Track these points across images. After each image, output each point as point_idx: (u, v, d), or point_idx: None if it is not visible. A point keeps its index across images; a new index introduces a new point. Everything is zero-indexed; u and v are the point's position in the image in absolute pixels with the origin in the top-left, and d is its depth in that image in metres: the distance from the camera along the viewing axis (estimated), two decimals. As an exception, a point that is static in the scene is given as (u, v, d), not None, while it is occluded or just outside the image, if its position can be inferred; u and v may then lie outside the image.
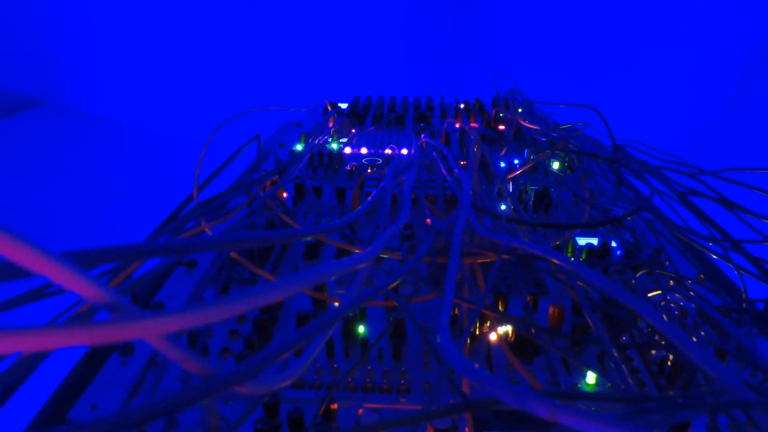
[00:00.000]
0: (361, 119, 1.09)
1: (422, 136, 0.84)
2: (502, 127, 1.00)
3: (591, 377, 0.42)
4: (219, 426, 0.28)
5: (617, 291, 0.30)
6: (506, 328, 0.46)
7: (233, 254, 0.55)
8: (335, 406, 0.38)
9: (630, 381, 0.40)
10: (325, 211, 0.71)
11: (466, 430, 0.36)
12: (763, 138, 2.46)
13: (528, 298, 0.50)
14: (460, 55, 2.93)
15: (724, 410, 0.34)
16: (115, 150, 3.01)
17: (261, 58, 2.99)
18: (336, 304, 0.50)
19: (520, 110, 1.01)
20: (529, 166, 0.80)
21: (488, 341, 0.46)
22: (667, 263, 0.57)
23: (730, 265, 0.54)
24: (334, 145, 0.93)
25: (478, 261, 0.50)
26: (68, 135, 3.15)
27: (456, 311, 0.48)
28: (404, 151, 0.90)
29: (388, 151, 0.91)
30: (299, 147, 0.92)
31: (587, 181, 0.72)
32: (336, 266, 0.26)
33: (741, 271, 0.52)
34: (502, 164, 0.82)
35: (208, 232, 0.57)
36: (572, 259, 0.44)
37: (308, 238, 0.58)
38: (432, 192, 0.73)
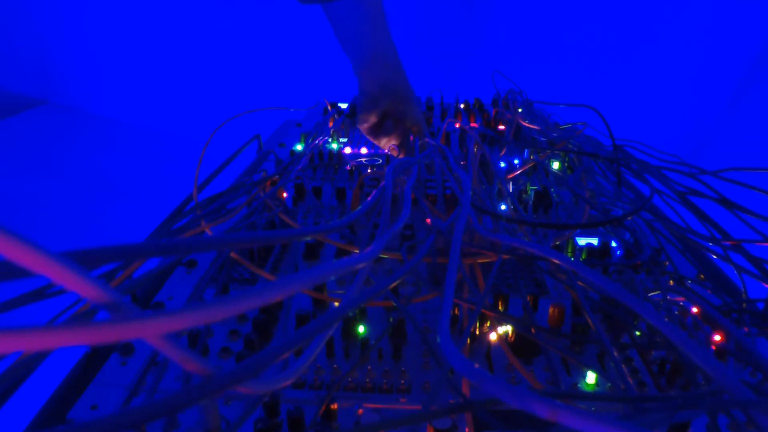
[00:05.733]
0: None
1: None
2: (502, 127, 1.00)
3: (591, 377, 0.42)
4: (219, 426, 0.28)
5: (617, 291, 0.30)
6: (506, 328, 0.46)
7: (233, 254, 0.55)
8: (335, 406, 0.38)
9: (630, 381, 0.40)
10: (325, 211, 0.71)
11: (466, 430, 0.36)
12: (763, 138, 2.45)
13: (528, 298, 0.50)
14: (460, 55, 2.93)
15: (724, 410, 0.34)
16: (115, 150, 3.01)
17: (261, 58, 2.99)
18: (336, 304, 0.50)
19: (520, 110, 1.01)
20: (529, 166, 0.80)
21: (488, 341, 0.46)
22: (667, 263, 0.57)
23: (730, 265, 0.54)
24: (334, 145, 0.93)
25: (478, 261, 0.50)
26: (68, 135, 3.15)
27: (456, 311, 0.48)
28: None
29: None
30: (299, 147, 0.92)
31: (587, 181, 0.72)
32: (336, 266, 0.26)
33: (741, 271, 0.52)
34: (502, 164, 0.82)
35: (208, 232, 0.57)
36: (572, 259, 0.44)
37: (308, 238, 0.58)
38: (432, 192, 0.73)
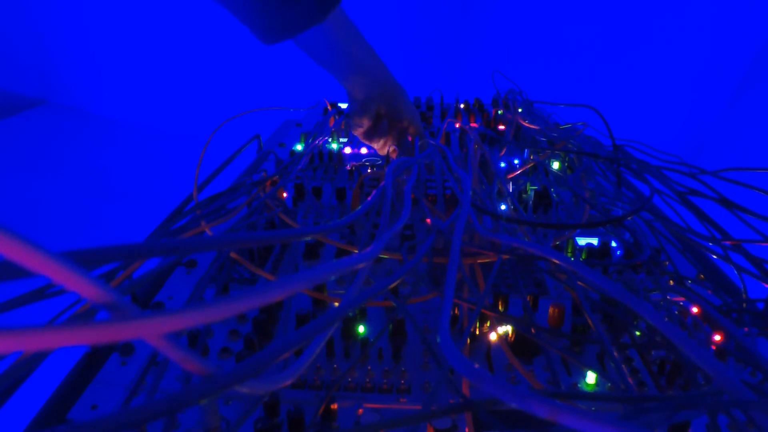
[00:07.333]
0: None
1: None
2: (502, 127, 1.00)
3: (591, 377, 0.42)
4: (219, 426, 0.28)
5: (617, 291, 0.30)
6: (506, 328, 0.46)
7: (233, 254, 0.55)
8: (335, 406, 0.38)
9: (630, 381, 0.40)
10: (325, 211, 0.71)
11: (466, 430, 0.36)
12: (763, 138, 2.46)
13: (528, 298, 0.50)
14: (460, 55, 2.93)
15: (724, 410, 0.34)
16: (115, 150, 3.01)
17: (261, 58, 2.99)
18: (336, 304, 0.50)
19: (520, 110, 1.01)
20: (529, 166, 0.80)
21: (488, 341, 0.46)
22: (667, 263, 0.57)
23: (730, 265, 0.54)
24: (334, 145, 0.93)
25: (478, 261, 0.50)
26: (68, 134, 3.15)
27: (456, 311, 0.48)
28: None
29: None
30: (299, 147, 0.92)
31: (587, 181, 0.72)
32: (336, 266, 0.26)
33: (741, 271, 0.52)
34: (502, 164, 0.82)
35: (209, 232, 0.57)
36: (572, 259, 0.44)
37: (308, 238, 0.58)
38: (432, 192, 0.73)
